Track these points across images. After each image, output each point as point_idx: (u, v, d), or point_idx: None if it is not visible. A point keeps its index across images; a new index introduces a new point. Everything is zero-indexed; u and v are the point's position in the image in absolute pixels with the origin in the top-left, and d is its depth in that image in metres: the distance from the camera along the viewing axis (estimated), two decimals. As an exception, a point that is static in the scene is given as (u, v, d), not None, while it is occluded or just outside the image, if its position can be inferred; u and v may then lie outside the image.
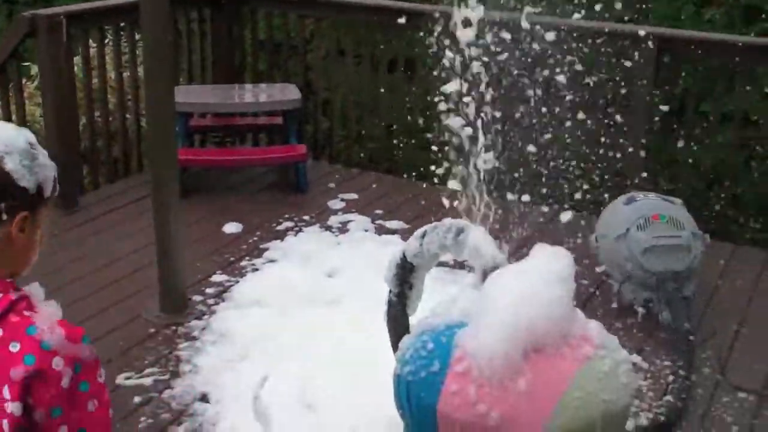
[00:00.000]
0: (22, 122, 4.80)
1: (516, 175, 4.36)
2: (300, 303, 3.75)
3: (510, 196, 4.34)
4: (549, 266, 2.18)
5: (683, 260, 3.74)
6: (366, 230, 4.57)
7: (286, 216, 4.72)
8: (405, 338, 2.21)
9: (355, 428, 2.86)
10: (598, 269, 4.14)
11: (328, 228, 4.60)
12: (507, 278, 2.16)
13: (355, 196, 5.04)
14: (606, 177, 4.61)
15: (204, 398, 3.10)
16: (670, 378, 3.31)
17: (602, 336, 2.16)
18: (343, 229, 4.59)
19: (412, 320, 2.72)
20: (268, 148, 5.42)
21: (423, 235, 2.55)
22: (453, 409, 1.97)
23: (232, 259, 4.22)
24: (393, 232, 4.56)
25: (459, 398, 1.97)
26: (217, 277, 4.02)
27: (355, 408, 2.97)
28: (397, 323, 2.74)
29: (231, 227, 4.56)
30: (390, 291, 2.72)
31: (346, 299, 3.79)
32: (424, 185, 5.24)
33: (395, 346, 2.76)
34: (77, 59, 4.98)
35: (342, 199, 4.98)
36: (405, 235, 4.45)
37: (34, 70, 5.53)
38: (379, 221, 4.69)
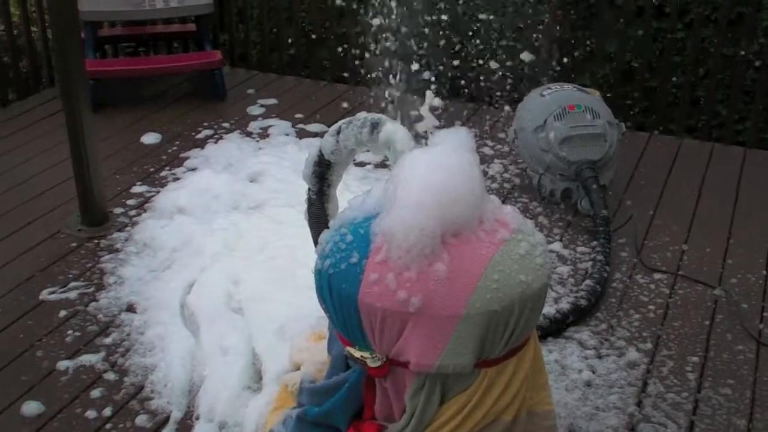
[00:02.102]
0: None
1: (432, 72, 4.36)
2: (223, 209, 3.74)
3: (428, 95, 4.34)
4: (453, 145, 2.19)
5: (600, 149, 3.82)
6: (287, 134, 4.55)
7: (206, 124, 4.66)
8: (324, 233, 2.21)
9: (283, 327, 2.89)
10: (517, 162, 4.21)
11: (249, 134, 4.55)
12: (415, 161, 2.15)
13: (274, 101, 4.99)
14: (522, 72, 4.63)
15: (130, 308, 3.09)
16: (590, 264, 3.40)
17: (518, 220, 2.19)
18: (263, 134, 4.55)
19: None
20: (183, 55, 5.29)
21: (338, 131, 2.53)
22: (374, 297, 1.99)
23: (152, 169, 4.16)
24: (314, 135, 4.54)
25: (379, 287, 1.99)
26: (138, 188, 3.97)
27: (281, 307, 3.01)
28: (318, 221, 2.75)
29: (149, 138, 4.49)
30: (309, 189, 2.72)
31: (269, 203, 3.79)
32: (344, 87, 5.21)
33: (317, 243, 2.78)
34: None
35: (261, 105, 4.93)
36: (327, 137, 4.44)
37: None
38: (300, 125, 4.66)
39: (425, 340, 2.00)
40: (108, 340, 2.92)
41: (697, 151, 4.47)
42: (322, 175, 2.65)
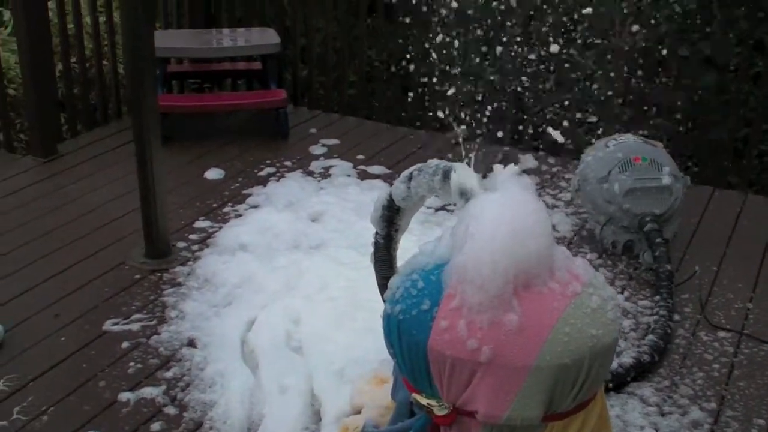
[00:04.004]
0: (-3, 69, 4.74)
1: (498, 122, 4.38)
2: (284, 248, 3.76)
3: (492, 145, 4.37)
4: (519, 190, 2.19)
5: (664, 202, 3.78)
6: (348, 175, 4.57)
7: (268, 162, 4.71)
8: (394, 278, 2.21)
9: (343, 369, 2.88)
10: (579, 213, 4.18)
11: (311, 173, 4.59)
12: (484, 204, 2.16)
13: (336, 141, 5.03)
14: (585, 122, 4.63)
15: (191, 343, 3.11)
16: (652, 318, 3.36)
17: (589, 273, 2.18)
18: (325, 174, 4.59)
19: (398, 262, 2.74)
20: (248, 93, 5.38)
21: (410, 178, 2.54)
22: (444, 345, 1.99)
23: (214, 205, 4.21)
24: (375, 176, 4.56)
25: (449, 335, 1.99)
26: (201, 223, 4.01)
27: (341, 349, 3.00)
28: (384, 265, 2.76)
29: (213, 173, 4.54)
30: (376, 233, 2.73)
31: (330, 243, 3.81)
32: (405, 129, 5.24)
33: (382, 288, 2.78)
34: (51, 4, 4.89)
35: (323, 145, 4.97)
36: (387, 179, 4.47)
37: (7, 15, 5.44)
38: (361, 166, 4.69)
39: (494, 390, 1.98)
40: (169, 374, 2.94)
41: (762, 206, 4.40)
42: (391, 220, 2.66)
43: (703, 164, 4.83)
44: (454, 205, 2.48)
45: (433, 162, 2.51)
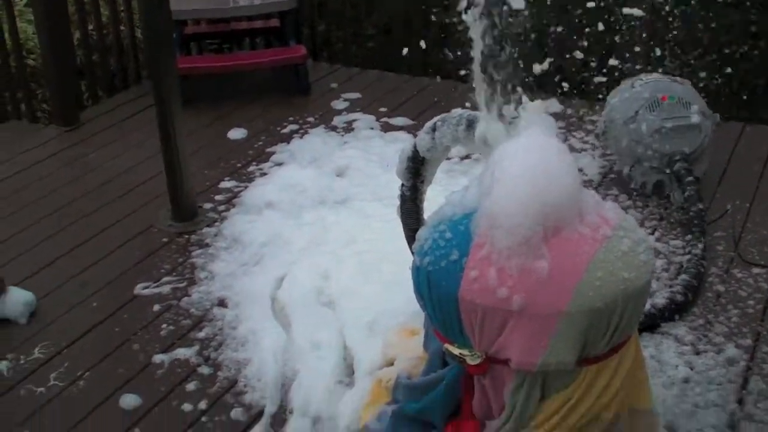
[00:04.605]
0: (15, 41, 4.72)
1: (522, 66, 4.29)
2: (310, 204, 3.75)
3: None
4: (544, 134, 2.16)
5: (693, 140, 3.72)
6: (371, 128, 4.53)
7: (291, 119, 4.68)
8: (422, 229, 2.19)
9: (374, 322, 2.88)
10: (606, 155, 4.12)
11: (334, 128, 4.55)
12: (509, 150, 2.12)
13: (358, 95, 4.98)
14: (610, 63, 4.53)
15: (222, 303, 3.12)
16: (685, 258, 3.31)
17: (620, 216, 2.14)
18: (348, 128, 4.55)
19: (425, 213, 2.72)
20: (267, 51, 5.30)
21: (434, 129, 2.51)
22: (474, 295, 1.97)
23: (239, 164, 4.19)
24: (399, 128, 4.52)
25: (480, 284, 1.96)
26: (226, 184, 4.00)
27: (371, 302, 2.99)
28: (411, 217, 2.73)
29: (236, 133, 4.52)
30: (402, 185, 2.70)
31: (355, 197, 3.79)
32: (427, 80, 5.17)
33: (410, 239, 2.77)
34: (65, -29, 4.85)
35: (345, 99, 4.92)
36: (411, 131, 4.43)
37: (22, -15, 5.41)
38: (384, 119, 4.65)
39: (527, 337, 1.97)
40: (201, 335, 2.95)
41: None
42: (416, 172, 2.63)
43: (732, 100, 4.73)
44: (480, 153, 2.46)
45: (457, 111, 2.48)
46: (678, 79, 3.96)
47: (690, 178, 3.63)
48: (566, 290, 1.95)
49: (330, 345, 2.84)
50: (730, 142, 4.27)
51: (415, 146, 2.60)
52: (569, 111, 4.68)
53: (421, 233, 2.18)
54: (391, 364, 2.64)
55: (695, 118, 3.72)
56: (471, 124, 2.41)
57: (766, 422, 2.55)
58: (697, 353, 2.84)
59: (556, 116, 4.61)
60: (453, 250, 2.05)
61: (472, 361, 2.05)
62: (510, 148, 2.12)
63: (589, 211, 2.10)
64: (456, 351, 2.07)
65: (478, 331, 2.01)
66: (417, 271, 2.13)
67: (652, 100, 3.76)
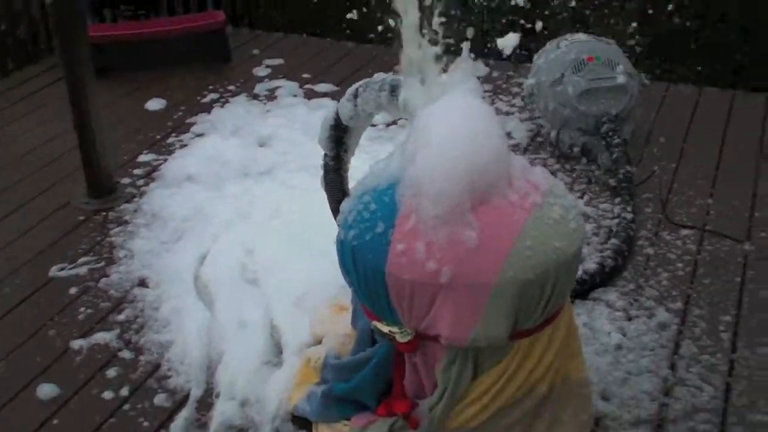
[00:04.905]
0: None
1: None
2: (233, 176, 3.63)
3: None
4: (472, 101, 2.09)
5: (620, 101, 3.69)
6: (295, 95, 4.42)
7: (211, 87, 4.52)
8: (346, 201, 2.10)
9: (301, 298, 2.79)
10: (533, 118, 4.08)
11: (256, 96, 4.42)
12: (433, 114, 2.05)
13: (280, 61, 4.85)
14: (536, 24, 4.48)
15: (143, 283, 2.99)
16: (613, 221, 3.29)
17: (549, 181, 2.09)
18: (271, 96, 4.42)
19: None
20: (185, 17, 5.10)
21: (356, 95, 2.41)
22: (402, 269, 1.89)
23: (158, 136, 4.03)
24: (323, 95, 4.41)
25: (407, 257, 1.89)
26: (144, 157, 3.85)
27: (298, 277, 2.90)
28: (335, 187, 2.64)
29: (154, 104, 4.35)
30: (325, 155, 2.61)
31: (280, 167, 3.68)
32: (351, 45, 5.06)
33: (335, 212, 2.67)
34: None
35: (267, 66, 4.79)
36: (335, 97, 4.32)
37: None
38: (308, 85, 4.53)
39: (457, 312, 1.90)
40: (121, 317, 2.83)
41: (718, 99, 4.33)
42: (339, 140, 2.54)
43: (655, 60, 4.73)
44: (404, 119, 2.37)
45: (379, 76, 2.38)
46: (603, 39, 3.92)
47: (617, 140, 3.60)
48: (496, 261, 1.89)
49: (256, 323, 2.74)
50: (654, 103, 4.26)
51: (337, 113, 2.50)
52: (495, 74, 4.62)
53: (345, 205, 2.10)
54: (320, 342, 2.56)
55: (621, 79, 3.69)
56: (394, 90, 2.32)
57: (699, 387, 2.54)
58: (629, 319, 2.82)
59: (483, 79, 4.55)
60: (378, 222, 1.97)
61: (401, 339, 1.98)
62: (433, 112, 2.05)
63: (517, 176, 2.03)
64: (385, 328, 2.00)
65: (407, 306, 1.94)
66: (341, 245, 2.05)
67: (577, 61, 3.72)
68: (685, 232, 3.28)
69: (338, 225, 2.10)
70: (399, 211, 1.95)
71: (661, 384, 2.56)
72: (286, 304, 2.79)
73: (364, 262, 1.96)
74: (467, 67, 2.27)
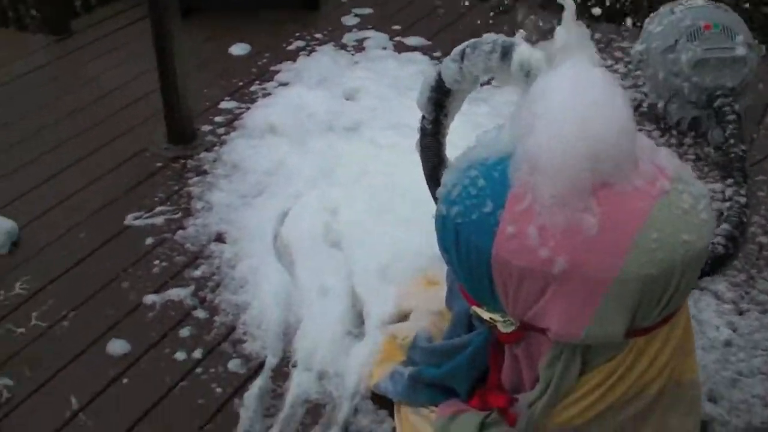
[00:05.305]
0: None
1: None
2: (317, 130, 3.45)
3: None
4: (593, 69, 1.88)
5: (737, 74, 3.40)
6: (384, 48, 4.20)
7: (297, 35, 4.34)
8: (449, 173, 1.91)
9: (386, 267, 2.63)
10: (638, 86, 3.82)
11: (343, 47, 4.22)
12: (551, 82, 1.84)
13: (369, 10, 4.62)
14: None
15: (220, 238, 2.86)
16: (724, 203, 3.04)
17: (677, 165, 1.87)
18: (359, 47, 4.22)
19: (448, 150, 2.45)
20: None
21: (462, 56, 2.20)
22: (510, 254, 1.71)
23: (240, 83, 3.88)
24: (413, 49, 4.19)
25: (517, 242, 1.70)
26: (226, 104, 3.70)
27: (383, 243, 2.74)
28: (431, 153, 2.45)
29: (237, 49, 4.19)
30: (423, 117, 2.41)
31: (367, 123, 3.49)
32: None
33: (429, 179, 2.49)
34: None
35: (356, 15, 4.57)
36: (427, 51, 4.12)
37: None
38: (398, 38, 4.31)
39: (570, 305, 1.71)
40: (197, 273, 2.70)
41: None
42: (440, 103, 2.33)
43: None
44: (515, 86, 2.16)
45: (490, 37, 2.17)
46: (722, 5, 3.62)
47: (732, 116, 3.32)
48: (618, 253, 1.68)
49: (338, 290, 2.59)
50: (769, 75, 3.95)
51: (439, 75, 2.29)
52: (597, 35, 4.34)
53: (448, 178, 1.91)
54: (406, 317, 2.40)
55: (740, 50, 3.39)
56: (507, 52, 2.11)
57: (816, 395, 2.32)
58: (740, 313, 2.60)
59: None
60: (486, 200, 1.77)
61: (504, 329, 1.81)
62: (552, 80, 1.83)
63: (642, 158, 1.82)
64: (486, 315, 1.83)
65: (512, 294, 1.76)
66: (443, 221, 1.86)
67: (693, 29, 3.43)
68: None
69: (436, 197, 1.92)
70: (510, 190, 1.75)
71: (774, 389, 2.35)
72: (369, 273, 2.63)
73: (468, 243, 1.78)
74: (579, 30, 2.04)
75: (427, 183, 2.50)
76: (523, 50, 2.06)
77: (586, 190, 1.70)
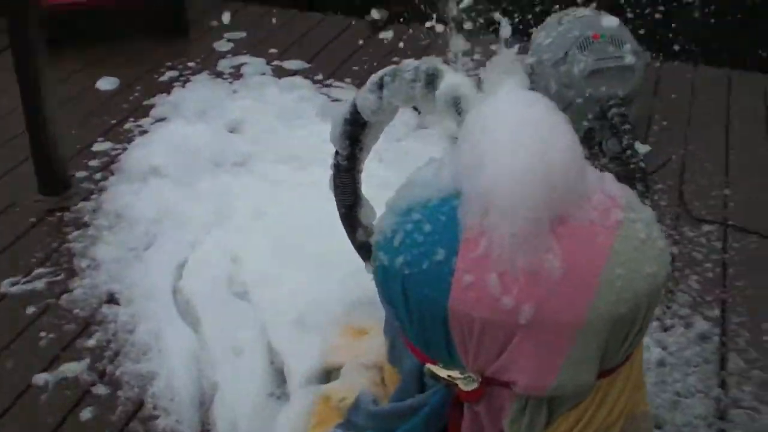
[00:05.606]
0: None
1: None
2: (204, 168, 3.22)
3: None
4: (533, 97, 1.78)
5: (628, 82, 3.39)
6: (263, 73, 4.01)
7: (168, 64, 4.08)
8: (385, 217, 1.74)
9: (302, 317, 2.42)
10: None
11: (219, 74, 4.00)
12: (490, 113, 1.71)
13: (243, 34, 4.41)
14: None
15: (112, 299, 2.59)
16: (631, 216, 3.00)
17: (623, 191, 1.77)
18: (236, 74, 4.01)
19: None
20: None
21: (381, 85, 2.03)
22: (470, 306, 1.55)
23: (113, 121, 3.58)
24: (293, 72, 4.02)
25: (476, 292, 1.55)
26: (100, 146, 3.40)
27: (294, 291, 2.53)
28: (347, 191, 2.27)
29: (105, 83, 3.90)
30: (336, 153, 2.23)
31: (257, 158, 3.31)
32: (319, 16, 4.64)
33: (346, 218, 2.31)
34: None
35: (228, 40, 4.35)
36: (308, 75, 3.95)
37: None
38: (276, 62, 4.12)
39: (537, 356, 1.57)
40: (91, 342, 2.42)
41: (714, 77, 4.07)
42: (355, 137, 2.15)
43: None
44: (440, 115, 2.01)
45: (410, 64, 2.01)
46: (604, 13, 3.61)
47: (627, 126, 3.30)
48: (585, 295, 1.55)
49: (252, 348, 2.37)
50: (649, 81, 3.98)
51: (354, 107, 2.12)
52: (477, 49, 4.26)
53: (385, 223, 1.73)
54: (335, 369, 2.20)
55: (629, 59, 3.39)
56: (431, 81, 1.96)
57: (756, 409, 2.28)
58: (665, 329, 2.55)
59: (465, 55, 4.20)
60: (436, 247, 1.61)
61: (465, 387, 1.64)
62: (492, 111, 1.70)
63: (593, 188, 1.71)
64: (443, 373, 1.66)
65: (473, 349, 1.60)
66: (384, 272, 1.69)
67: (582, 39, 3.40)
68: (707, 228, 3.01)
69: (373, 246, 1.75)
70: (462, 234, 1.60)
71: (713, 406, 2.29)
72: (284, 324, 2.42)
73: (418, 296, 1.61)
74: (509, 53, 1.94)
75: (344, 224, 2.32)
76: (450, 78, 1.92)
77: (545, 226, 1.57)
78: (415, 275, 1.62)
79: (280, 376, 2.30)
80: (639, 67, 3.44)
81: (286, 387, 2.26)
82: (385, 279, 1.69)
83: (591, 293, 1.55)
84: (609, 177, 1.80)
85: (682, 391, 2.33)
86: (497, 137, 1.64)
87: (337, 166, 2.25)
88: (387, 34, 4.24)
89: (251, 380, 2.27)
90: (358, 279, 2.48)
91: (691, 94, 3.91)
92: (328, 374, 2.24)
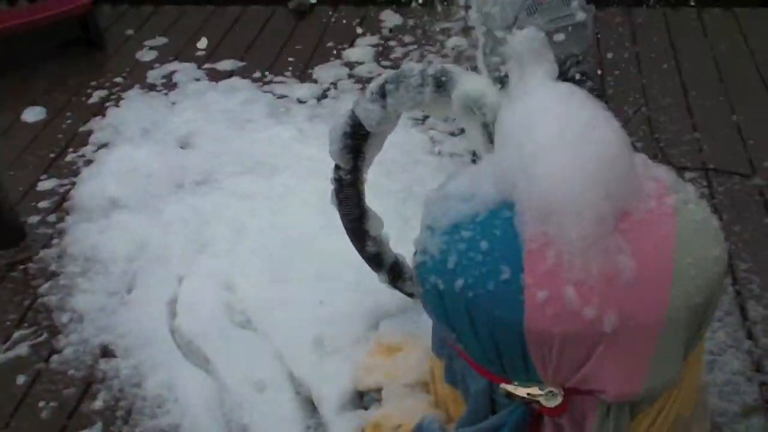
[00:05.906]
0: None
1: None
2: (165, 192, 3.03)
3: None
4: (567, 88, 1.72)
5: (581, 39, 3.30)
6: (197, 79, 3.79)
7: (93, 84, 3.82)
8: (427, 237, 1.62)
9: (320, 337, 2.29)
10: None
11: (152, 87, 3.77)
12: (527, 114, 1.64)
13: (164, 40, 4.17)
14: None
15: (107, 353, 2.39)
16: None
17: (665, 172, 1.70)
18: (169, 84, 3.78)
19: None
20: (45, 3, 4.25)
21: (383, 94, 1.91)
22: (549, 323, 1.46)
23: (52, 155, 3.33)
24: (229, 74, 3.82)
25: (553, 308, 1.46)
26: (45, 184, 3.16)
27: (301, 312, 2.39)
28: (352, 204, 2.15)
29: (31, 114, 3.61)
30: (337, 167, 2.10)
31: (218, 173, 3.11)
32: (238, 9, 4.43)
33: (353, 233, 2.20)
34: None
35: (150, 48, 4.10)
36: (245, 74, 3.75)
37: None
38: (207, 64, 3.90)
39: (624, 362, 1.50)
40: (98, 404, 2.23)
41: (650, 17, 4.06)
42: (358, 149, 2.04)
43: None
44: (456, 119, 1.90)
45: (414, 68, 1.90)
46: (542, -30, 3.53)
47: (589, 83, 3.24)
48: (661, 291, 1.49)
49: (274, 380, 2.23)
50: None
51: (353, 119, 1.99)
52: (411, 22, 4.16)
53: (429, 243, 1.62)
54: (371, 391, 2.10)
55: (580, 15, 3.30)
56: (440, 84, 1.86)
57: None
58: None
59: (397, 30, 4.09)
60: (499, 265, 1.51)
61: (548, 403, 1.56)
62: (529, 108, 1.62)
63: (642, 175, 1.64)
64: (522, 392, 1.57)
65: (553, 363, 1.52)
66: (441, 297, 1.58)
67: (529, 2, 3.31)
68: (689, 174, 3.00)
69: (416, 268, 1.64)
70: (524, 247, 1.50)
71: (748, 360, 2.27)
72: (301, 349, 2.29)
73: (489, 319, 1.52)
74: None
75: (350, 237, 2.21)
76: (465, 79, 1.82)
77: (611, 224, 1.49)
78: (482, 297, 1.52)
79: (310, 406, 2.18)
80: (589, 21, 3.37)
81: (320, 416, 2.14)
82: (443, 304, 1.59)
83: (667, 288, 1.49)
84: (644, 158, 1.74)
85: (714, 349, 2.31)
86: (542, 137, 1.56)
87: (339, 181, 2.13)
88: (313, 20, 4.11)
89: (282, 416, 2.14)
90: (365, 287, 2.39)
91: (632, 41, 3.89)
92: (361, 396, 2.13)
